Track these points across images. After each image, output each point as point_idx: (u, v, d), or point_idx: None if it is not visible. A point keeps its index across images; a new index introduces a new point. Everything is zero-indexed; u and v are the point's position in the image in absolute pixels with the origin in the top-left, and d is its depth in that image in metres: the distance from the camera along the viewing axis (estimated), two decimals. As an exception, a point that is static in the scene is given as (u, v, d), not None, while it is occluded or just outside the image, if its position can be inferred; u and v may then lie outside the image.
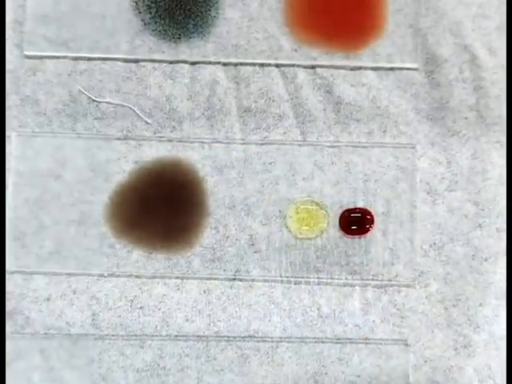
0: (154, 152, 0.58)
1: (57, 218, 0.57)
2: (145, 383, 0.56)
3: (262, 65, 0.59)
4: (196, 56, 0.59)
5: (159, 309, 0.57)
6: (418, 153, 0.58)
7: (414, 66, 0.59)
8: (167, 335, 0.57)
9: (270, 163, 0.58)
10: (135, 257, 0.57)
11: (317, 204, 0.58)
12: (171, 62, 0.59)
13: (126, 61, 0.58)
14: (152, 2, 0.59)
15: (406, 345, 0.57)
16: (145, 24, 0.59)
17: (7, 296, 0.56)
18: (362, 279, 0.57)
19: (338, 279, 0.57)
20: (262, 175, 0.58)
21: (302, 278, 0.57)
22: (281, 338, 0.57)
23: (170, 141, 0.58)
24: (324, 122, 0.59)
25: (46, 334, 0.56)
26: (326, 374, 0.56)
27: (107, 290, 0.57)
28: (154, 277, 0.57)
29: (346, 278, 0.57)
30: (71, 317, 0.57)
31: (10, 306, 0.56)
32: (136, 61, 0.58)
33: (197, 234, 0.57)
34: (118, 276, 0.57)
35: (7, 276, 0.56)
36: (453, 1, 0.59)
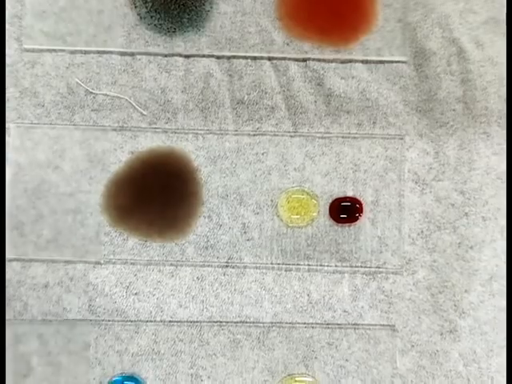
0: (149, 142, 0.59)
1: (54, 207, 0.58)
2: (140, 367, 0.57)
3: (254, 58, 0.59)
4: (190, 49, 0.59)
5: (154, 295, 0.58)
6: (406, 143, 0.59)
7: (403, 59, 0.59)
8: (161, 320, 0.58)
9: (263, 154, 0.59)
10: (131, 244, 0.58)
11: (307, 193, 0.59)
12: (166, 55, 0.59)
13: (122, 54, 0.59)
14: (147, -3, 0.60)
15: (394, 330, 0.58)
16: (140, 18, 0.59)
17: (6, 283, 0.57)
18: (351, 266, 0.58)
19: (327, 266, 0.58)
20: (255, 165, 0.59)
21: (292, 265, 0.58)
22: (272, 323, 0.58)
23: (164, 132, 0.59)
24: (315, 114, 0.59)
25: (43, 319, 0.57)
26: (315, 358, 0.57)
27: (103, 277, 0.58)
28: (149, 264, 0.58)
29: (336, 265, 0.58)
30: (68, 303, 0.58)
31: (8, 292, 0.57)
32: (132, 54, 0.59)
33: (190, 223, 0.58)
34: (114, 263, 0.58)
35: (6, 264, 0.57)
36: (441, -4, 0.60)
